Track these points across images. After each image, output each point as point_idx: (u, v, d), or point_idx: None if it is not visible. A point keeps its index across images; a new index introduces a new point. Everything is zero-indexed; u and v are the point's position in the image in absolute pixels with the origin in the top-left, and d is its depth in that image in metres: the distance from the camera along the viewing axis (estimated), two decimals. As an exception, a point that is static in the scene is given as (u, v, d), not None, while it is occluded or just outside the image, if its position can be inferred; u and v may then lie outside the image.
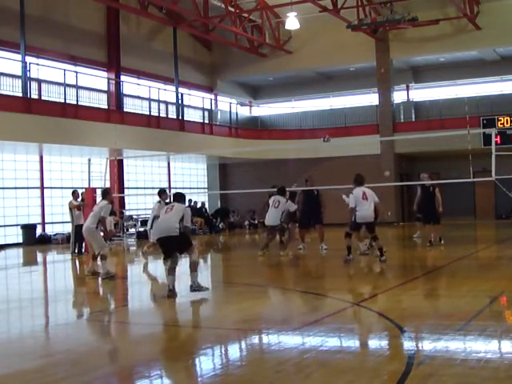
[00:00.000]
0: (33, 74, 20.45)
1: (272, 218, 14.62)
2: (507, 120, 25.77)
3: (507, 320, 7.42)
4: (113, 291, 10.97)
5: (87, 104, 21.91)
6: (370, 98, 30.38)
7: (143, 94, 25.41)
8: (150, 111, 24.39)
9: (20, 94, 19.41)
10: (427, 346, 6.02)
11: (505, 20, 25.47)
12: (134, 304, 9.77)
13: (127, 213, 25.13)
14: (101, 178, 18.56)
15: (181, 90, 27.14)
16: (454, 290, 9.29)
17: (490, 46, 26.66)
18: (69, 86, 20.90)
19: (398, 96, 29.94)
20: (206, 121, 28.15)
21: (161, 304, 9.14)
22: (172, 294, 8.95)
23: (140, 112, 24.51)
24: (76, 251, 17.00)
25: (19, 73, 19.71)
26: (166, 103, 26.64)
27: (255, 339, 6.75)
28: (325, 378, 5.05)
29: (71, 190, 17.94)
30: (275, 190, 15.12)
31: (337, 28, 25.99)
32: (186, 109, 27.31)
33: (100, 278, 11.42)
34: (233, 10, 24.88)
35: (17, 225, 21.87)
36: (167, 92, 26.84)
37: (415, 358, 5.44)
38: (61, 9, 22.80)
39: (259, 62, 29.39)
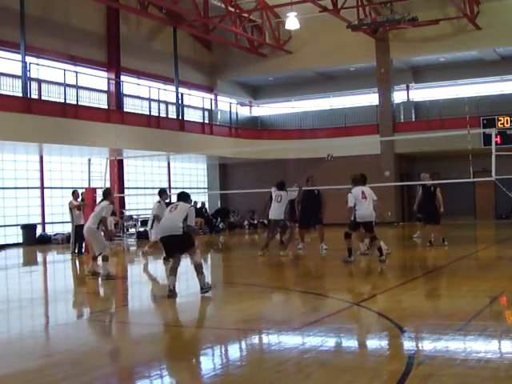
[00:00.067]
0: (33, 74, 20.45)
1: (275, 212, 14.67)
2: (507, 120, 25.77)
3: (507, 320, 7.43)
4: (113, 291, 10.97)
5: (87, 104, 21.91)
6: (370, 98, 30.38)
7: (143, 93, 25.41)
8: (150, 111, 24.39)
9: (20, 94, 19.41)
10: (427, 346, 6.02)
11: (505, 20, 25.47)
12: (134, 304, 9.77)
13: (127, 213, 25.14)
14: (101, 178, 18.57)
15: (181, 90, 27.13)
16: (454, 290, 9.30)
17: (490, 46, 26.66)
18: (69, 85, 20.89)
19: (398, 96, 29.94)
20: (206, 121, 28.15)
21: (161, 304, 9.14)
22: (172, 294, 8.95)
23: (140, 112, 24.50)
24: (76, 251, 17.00)
25: (19, 73, 19.70)
26: (166, 103, 26.64)
27: (255, 339, 6.75)
28: (325, 378, 5.06)
29: (71, 190, 17.94)
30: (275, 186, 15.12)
31: (337, 28, 26.00)
32: (185, 109, 27.31)
33: (100, 278, 11.42)
34: (233, 9, 24.88)
35: (17, 225, 21.87)
36: (167, 92, 26.84)
37: (415, 358, 5.44)
38: (61, 9, 22.80)
39: (259, 62, 29.39)
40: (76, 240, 17.07)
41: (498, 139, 22.92)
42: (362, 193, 12.44)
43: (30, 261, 18.24)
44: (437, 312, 7.90)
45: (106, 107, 23.53)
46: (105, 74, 24.78)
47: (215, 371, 5.47)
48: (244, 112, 33.12)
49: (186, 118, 26.45)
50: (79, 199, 17.29)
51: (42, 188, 23.02)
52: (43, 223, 22.96)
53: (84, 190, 17.87)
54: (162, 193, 14.51)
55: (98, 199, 13.41)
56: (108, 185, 20.16)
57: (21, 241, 21.58)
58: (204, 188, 31.61)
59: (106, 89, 24.32)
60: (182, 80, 27.46)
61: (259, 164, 28.05)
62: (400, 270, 12.25)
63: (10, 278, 13.69)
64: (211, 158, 28.68)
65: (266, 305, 8.73)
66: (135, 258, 17.58)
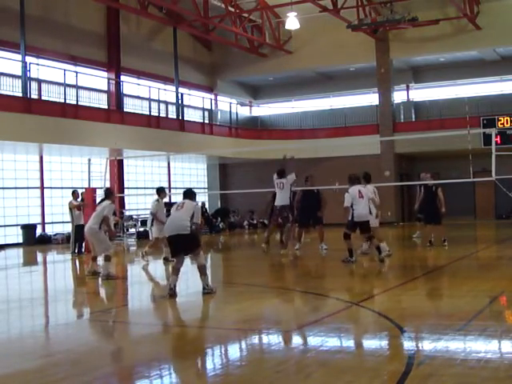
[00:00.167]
0: (33, 74, 20.45)
1: (280, 198, 14.76)
2: (507, 120, 25.78)
3: (507, 320, 7.42)
4: (113, 291, 10.96)
5: (87, 104, 21.92)
6: (370, 98, 30.38)
7: (143, 94, 25.41)
8: (150, 111, 24.39)
9: (20, 94, 19.41)
10: (427, 345, 6.01)
11: (505, 20, 25.47)
12: (134, 304, 9.77)
13: (127, 213, 25.14)
14: (101, 178, 18.57)
15: (181, 90, 27.13)
16: (454, 290, 9.30)
17: (489, 46, 26.67)
18: (69, 85, 20.90)
19: (398, 96, 29.95)
20: (206, 121, 28.16)
21: (161, 304, 9.14)
22: (173, 292, 8.95)
23: (140, 112, 24.51)
24: (76, 251, 17.01)
25: (19, 73, 19.70)
26: (166, 103, 26.64)
27: (255, 339, 6.75)
28: (325, 378, 5.05)
29: (71, 190, 17.95)
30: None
31: (337, 28, 26.00)
32: (185, 109, 27.32)
33: (100, 278, 11.42)
34: (233, 9, 24.89)
35: (17, 225, 21.88)
36: (167, 92, 26.84)
37: (415, 358, 5.44)
38: (61, 9, 22.81)
39: (259, 62, 29.40)
40: (76, 240, 17.08)
41: (498, 139, 22.94)
42: (359, 192, 12.43)
43: (29, 261, 18.24)
44: (437, 312, 7.90)
45: (106, 107, 23.54)
46: (105, 74, 24.78)
47: (215, 371, 5.47)
48: (244, 112, 33.13)
49: (186, 118, 26.45)
50: (79, 199, 17.29)
51: (42, 188, 23.03)
52: (43, 223, 22.97)
53: (84, 190, 17.87)
54: (161, 191, 14.48)
55: (98, 199, 13.40)
56: (108, 185, 20.16)
57: (21, 241, 21.58)
58: (204, 188, 31.61)
59: (106, 89, 24.33)
60: (182, 80, 27.46)
61: (259, 164, 28.01)
62: (400, 270, 12.25)
63: (9, 278, 13.69)
64: (211, 157, 28.68)
65: (265, 305, 8.72)
66: (135, 258, 17.57)
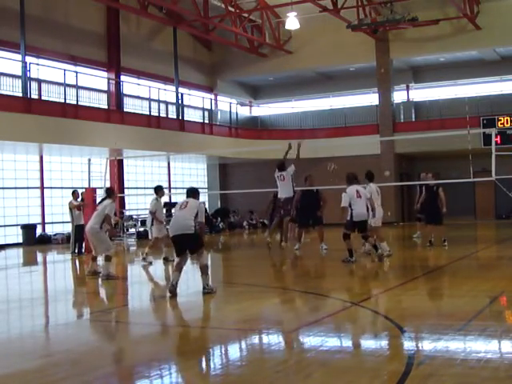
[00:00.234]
0: (33, 74, 20.45)
1: (283, 190, 14.81)
2: (507, 120, 25.78)
3: (507, 320, 7.42)
4: (113, 291, 10.96)
5: (87, 104, 21.91)
6: (370, 98, 30.38)
7: (143, 94, 25.41)
8: (150, 111, 24.39)
9: (20, 94, 19.41)
10: (427, 345, 6.01)
11: (505, 20, 25.47)
12: (134, 304, 9.77)
13: (127, 213, 25.14)
14: (101, 178, 18.56)
15: (181, 90, 27.13)
16: (454, 290, 9.30)
17: (489, 46, 26.66)
18: (69, 85, 20.90)
19: (398, 96, 29.95)
20: (206, 121, 28.16)
21: (160, 304, 9.14)
22: (174, 289, 8.95)
23: (140, 112, 24.51)
24: (76, 251, 17.01)
25: (19, 73, 19.70)
26: (166, 103, 26.64)
27: (255, 339, 6.75)
28: (325, 378, 5.06)
29: (71, 190, 17.95)
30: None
31: (337, 28, 26.00)
32: (185, 109, 27.31)
33: (100, 279, 11.42)
34: (233, 9, 24.89)
35: (17, 225, 21.88)
36: (167, 92, 26.84)
37: (415, 358, 5.44)
38: (61, 9, 22.80)
39: (259, 62, 29.39)
40: (76, 240, 17.08)
41: (498, 139, 22.94)
42: (357, 192, 12.43)
43: (29, 261, 18.24)
44: (437, 312, 7.90)
45: (106, 107, 23.54)
46: (105, 74, 24.78)
47: (215, 371, 5.47)
48: (244, 112, 33.12)
49: (186, 118, 26.45)
50: (79, 199, 17.29)
51: (42, 188, 23.03)
52: (43, 223, 22.97)
53: (84, 190, 17.87)
54: (158, 189, 14.46)
55: (98, 199, 13.39)
56: (108, 185, 20.14)
57: (21, 241, 21.58)
58: (204, 188, 31.60)
59: (106, 89, 24.33)
60: (182, 80, 27.45)
61: (259, 164, 28.02)
62: (400, 270, 12.25)
63: (9, 278, 13.69)
64: (211, 157, 28.68)
65: (265, 305, 8.72)
66: (135, 257, 17.57)
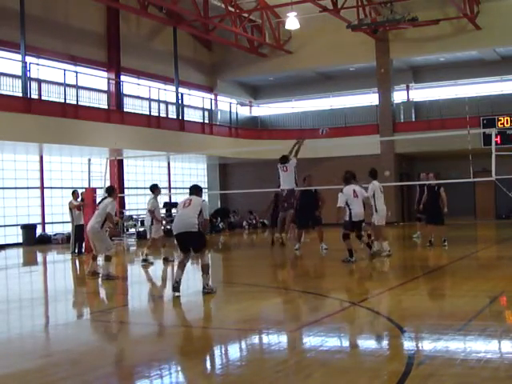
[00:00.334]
0: (33, 74, 20.44)
1: (285, 181, 14.76)
2: (507, 120, 25.77)
3: (507, 320, 7.42)
4: (113, 291, 10.96)
5: (87, 104, 21.91)
6: (370, 98, 30.38)
7: (143, 94, 25.41)
8: (150, 111, 24.39)
9: (20, 94, 19.41)
10: (427, 345, 6.02)
11: (505, 20, 25.46)
12: (134, 304, 9.77)
13: (127, 213, 25.14)
14: (101, 178, 18.57)
15: (181, 90, 27.13)
16: (454, 290, 9.30)
17: (489, 46, 26.65)
18: (69, 85, 20.89)
19: (398, 96, 29.95)
20: (206, 121, 28.16)
21: (160, 304, 9.14)
22: (178, 286, 8.95)
23: (140, 112, 24.50)
24: (76, 251, 17.01)
25: (19, 73, 19.70)
26: (166, 103, 26.64)
27: (255, 339, 6.75)
28: (325, 378, 5.06)
29: (71, 190, 17.96)
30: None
31: (337, 28, 26.00)
32: (186, 109, 27.31)
33: (100, 278, 11.42)
34: (233, 10, 24.88)
35: (17, 225, 21.88)
36: (167, 92, 26.84)
37: (415, 358, 5.44)
38: (61, 9, 22.80)
39: (259, 62, 29.39)
40: (76, 240, 17.09)
41: (498, 139, 22.93)
42: (354, 191, 12.42)
43: (30, 261, 18.24)
44: (437, 312, 7.90)
45: (106, 107, 23.53)
46: (105, 74, 24.78)
47: (215, 371, 5.47)
48: (244, 112, 33.12)
49: (186, 118, 26.45)
50: (79, 199, 17.30)
51: (42, 188, 23.03)
52: (43, 223, 22.97)
53: (84, 190, 17.87)
54: (155, 188, 14.46)
55: (98, 199, 13.39)
56: (108, 185, 20.14)
57: (21, 241, 21.58)
58: (204, 188, 31.55)
59: (106, 89, 24.32)
60: (181, 80, 27.45)
61: (259, 164, 28.03)
62: (400, 270, 12.25)
63: (10, 278, 13.69)
64: (211, 157, 28.68)
65: (266, 305, 8.72)
66: (135, 257, 17.57)
